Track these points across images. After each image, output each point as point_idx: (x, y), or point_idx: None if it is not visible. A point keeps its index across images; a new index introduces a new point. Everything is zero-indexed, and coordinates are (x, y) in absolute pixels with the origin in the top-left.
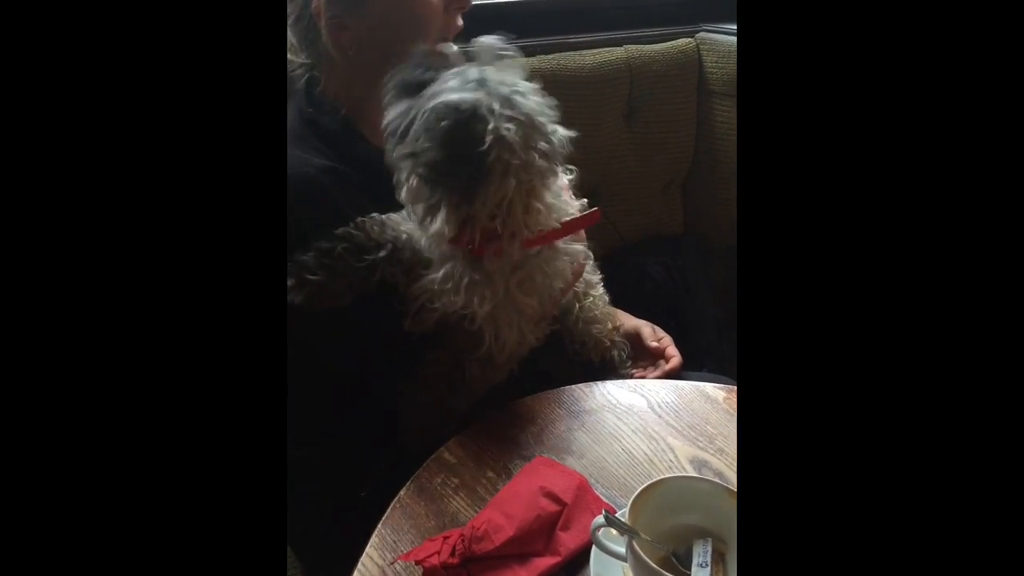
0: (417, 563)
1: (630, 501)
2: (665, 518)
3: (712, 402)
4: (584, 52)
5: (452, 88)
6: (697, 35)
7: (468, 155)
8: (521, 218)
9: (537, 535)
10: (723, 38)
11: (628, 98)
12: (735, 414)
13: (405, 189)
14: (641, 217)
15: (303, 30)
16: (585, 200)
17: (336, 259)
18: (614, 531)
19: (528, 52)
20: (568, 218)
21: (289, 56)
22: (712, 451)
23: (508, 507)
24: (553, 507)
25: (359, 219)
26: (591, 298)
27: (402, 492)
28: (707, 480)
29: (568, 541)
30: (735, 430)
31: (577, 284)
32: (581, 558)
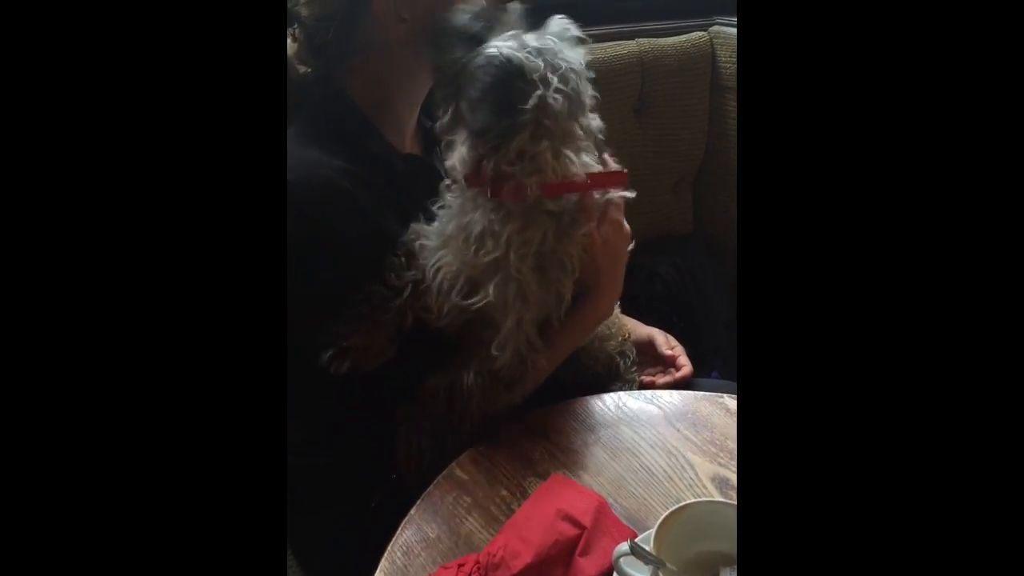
0: None
1: (654, 529)
2: (690, 545)
3: (731, 415)
4: (595, 45)
5: (510, 47)
6: (710, 29)
7: (509, 110)
8: (550, 161)
9: (556, 561)
10: (737, 32)
11: (639, 93)
12: None
13: (438, 125)
14: (650, 215)
15: (330, 31)
16: None
17: (365, 319)
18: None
19: None
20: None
21: (298, 63)
22: (734, 468)
23: (525, 531)
24: (572, 531)
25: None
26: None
27: (412, 511)
28: (734, 505)
29: (588, 567)
30: None
31: None
32: None
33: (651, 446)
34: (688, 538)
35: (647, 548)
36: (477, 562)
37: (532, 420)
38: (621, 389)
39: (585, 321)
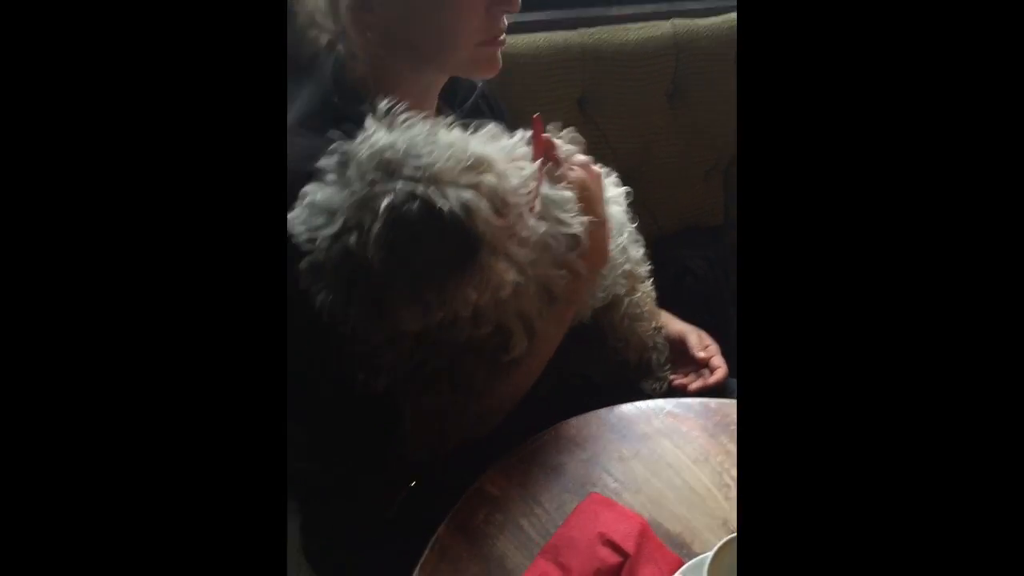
0: None
1: (706, 566)
2: None
3: None
4: (628, 26)
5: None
6: None
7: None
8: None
9: None
10: None
11: (673, 77)
12: None
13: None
14: (680, 205)
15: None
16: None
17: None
18: None
19: (567, 25)
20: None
21: (315, 27)
22: None
23: (564, 556)
24: (614, 558)
25: None
26: (640, 293)
27: (440, 530)
28: None
29: None
30: None
31: (627, 270)
32: None
33: (693, 461)
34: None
35: None
36: None
37: (565, 430)
38: (651, 388)
39: (579, 278)
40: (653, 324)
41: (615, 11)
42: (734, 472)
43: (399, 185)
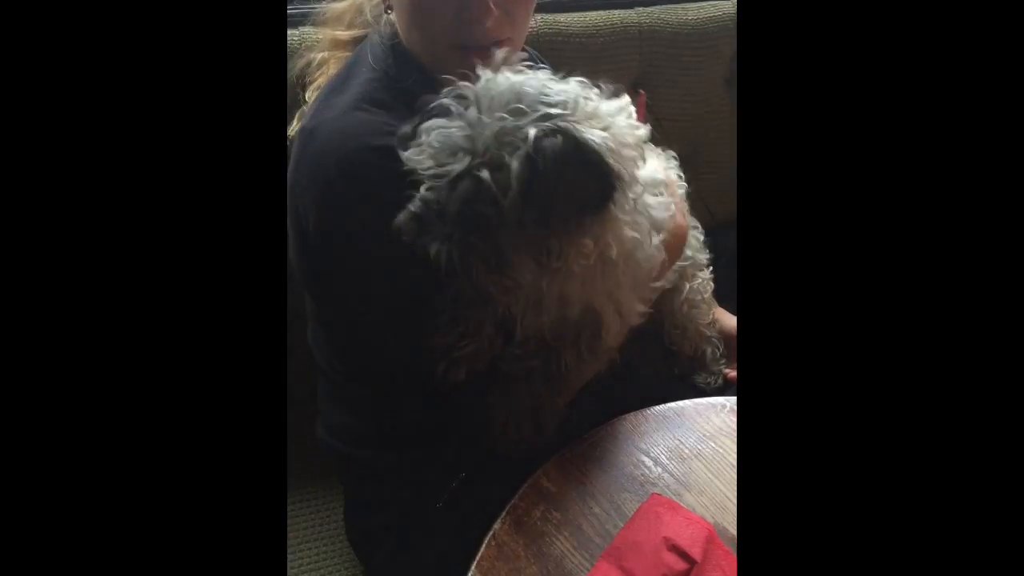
0: None
1: None
2: None
3: None
4: (688, 5)
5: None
6: None
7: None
8: None
9: None
10: None
11: (732, 60)
12: None
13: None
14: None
15: None
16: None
17: (463, 322)
18: None
19: (624, 4)
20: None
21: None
22: None
23: (627, 560)
24: (680, 564)
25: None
26: (699, 280)
27: (497, 526)
28: None
29: None
30: None
31: (685, 260)
32: None
33: None
34: None
35: None
36: None
37: (621, 425)
38: (704, 382)
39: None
40: (710, 315)
41: None
42: None
43: (538, 120)
